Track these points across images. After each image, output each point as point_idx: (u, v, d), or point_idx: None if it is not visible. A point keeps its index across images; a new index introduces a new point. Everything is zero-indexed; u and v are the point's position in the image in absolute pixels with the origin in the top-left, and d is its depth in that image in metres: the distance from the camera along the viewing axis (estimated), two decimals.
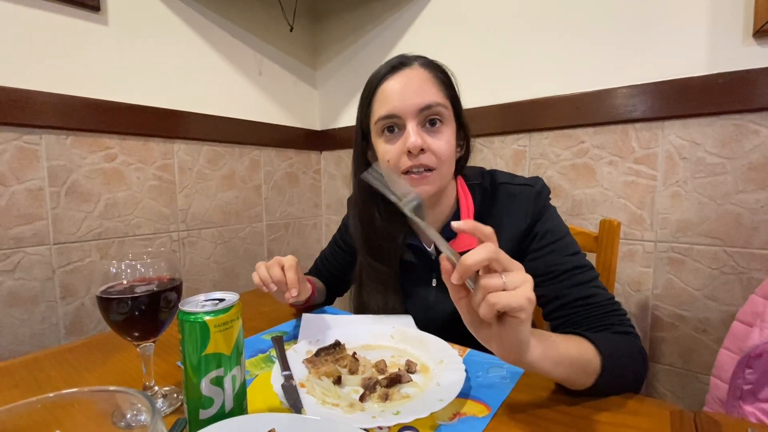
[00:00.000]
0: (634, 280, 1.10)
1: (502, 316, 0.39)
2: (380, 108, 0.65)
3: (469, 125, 0.71)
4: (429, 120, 0.64)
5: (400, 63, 0.66)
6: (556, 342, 0.46)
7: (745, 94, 0.91)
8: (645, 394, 0.51)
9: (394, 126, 0.65)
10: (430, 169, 0.63)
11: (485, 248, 0.37)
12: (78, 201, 1.07)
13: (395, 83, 0.64)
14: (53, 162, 1.03)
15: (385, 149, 0.65)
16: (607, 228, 0.85)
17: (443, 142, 0.64)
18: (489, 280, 0.37)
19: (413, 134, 0.62)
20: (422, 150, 0.62)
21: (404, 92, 0.63)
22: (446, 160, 0.64)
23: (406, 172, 0.64)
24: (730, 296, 0.97)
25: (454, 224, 0.39)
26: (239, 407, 0.41)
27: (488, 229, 0.39)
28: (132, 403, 0.23)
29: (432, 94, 0.63)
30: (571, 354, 0.46)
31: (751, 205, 0.93)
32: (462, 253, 0.38)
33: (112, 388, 0.22)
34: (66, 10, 1.03)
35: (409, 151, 0.62)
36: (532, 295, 0.37)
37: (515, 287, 0.37)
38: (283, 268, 0.66)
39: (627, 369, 0.52)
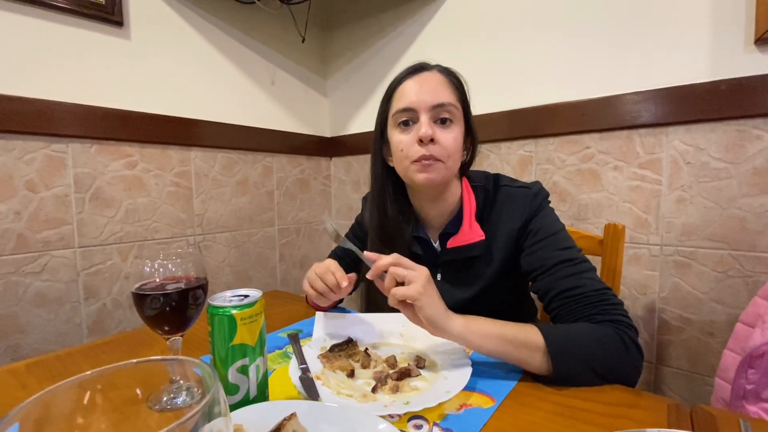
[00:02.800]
0: (640, 283, 1.11)
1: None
2: (398, 102, 0.72)
3: (477, 132, 0.76)
4: (441, 118, 0.70)
5: (421, 67, 0.74)
6: (485, 321, 0.56)
7: (747, 100, 0.93)
8: None
9: (409, 120, 0.71)
10: (437, 161, 0.69)
11: (391, 256, 0.56)
12: (101, 206, 1.13)
13: (413, 83, 0.71)
14: (79, 169, 1.08)
15: (399, 139, 0.71)
16: (611, 232, 0.87)
17: (451, 137, 0.70)
18: (394, 271, 0.55)
19: (425, 125, 0.68)
20: (432, 141, 0.68)
21: (421, 90, 0.70)
22: (452, 154, 0.70)
23: (416, 161, 0.69)
24: (735, 299, 0.98)
25: (368, 261, 0.59)
26: (262, 394, 0.45)
27: (387, 259, 0.56)
28: (184, 374, 0.26)
29: (445, 95, 0.70)
30: (505, 333, 0.55)
31: (756, 209, 0.95)
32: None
33: (181, 357, 0.26)
34: (92, 25, 1.09)
35: (421, 140, 0.68)
36: (422, 288, 0.53)
37: (411, 282, 0.53)
38: (334, 275, 0.73)
39: (592, 352, 0.53)
